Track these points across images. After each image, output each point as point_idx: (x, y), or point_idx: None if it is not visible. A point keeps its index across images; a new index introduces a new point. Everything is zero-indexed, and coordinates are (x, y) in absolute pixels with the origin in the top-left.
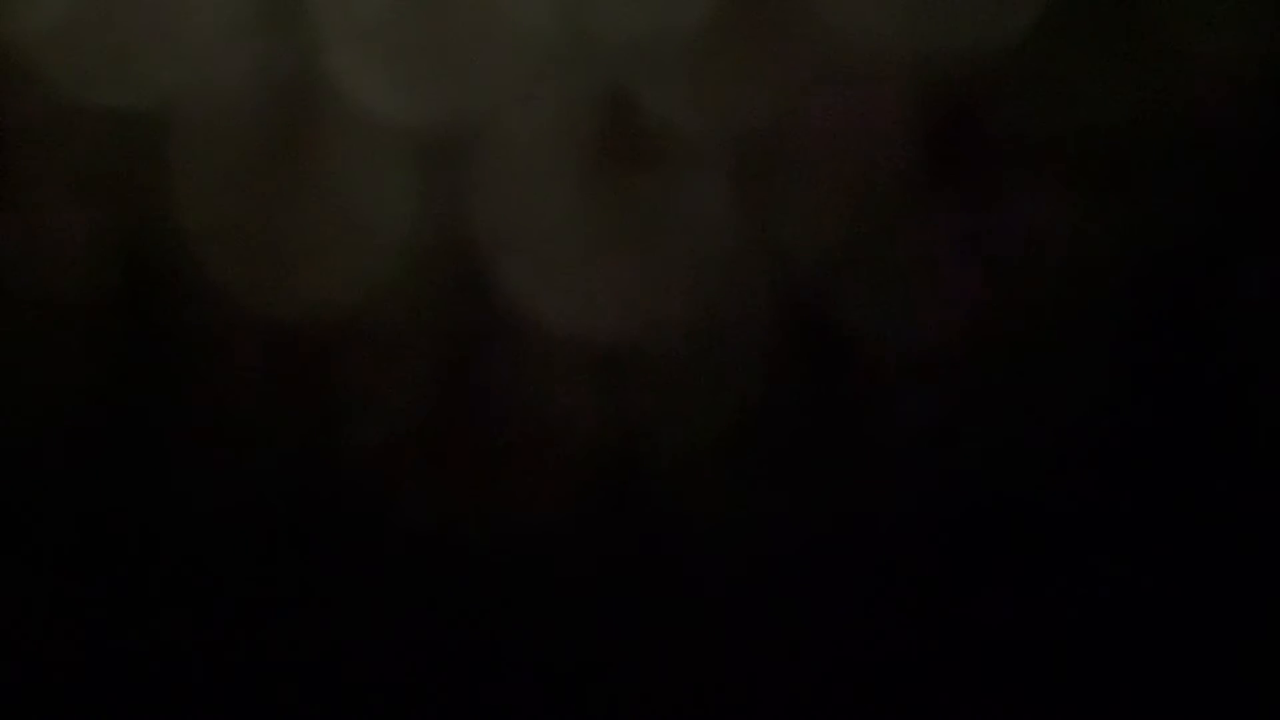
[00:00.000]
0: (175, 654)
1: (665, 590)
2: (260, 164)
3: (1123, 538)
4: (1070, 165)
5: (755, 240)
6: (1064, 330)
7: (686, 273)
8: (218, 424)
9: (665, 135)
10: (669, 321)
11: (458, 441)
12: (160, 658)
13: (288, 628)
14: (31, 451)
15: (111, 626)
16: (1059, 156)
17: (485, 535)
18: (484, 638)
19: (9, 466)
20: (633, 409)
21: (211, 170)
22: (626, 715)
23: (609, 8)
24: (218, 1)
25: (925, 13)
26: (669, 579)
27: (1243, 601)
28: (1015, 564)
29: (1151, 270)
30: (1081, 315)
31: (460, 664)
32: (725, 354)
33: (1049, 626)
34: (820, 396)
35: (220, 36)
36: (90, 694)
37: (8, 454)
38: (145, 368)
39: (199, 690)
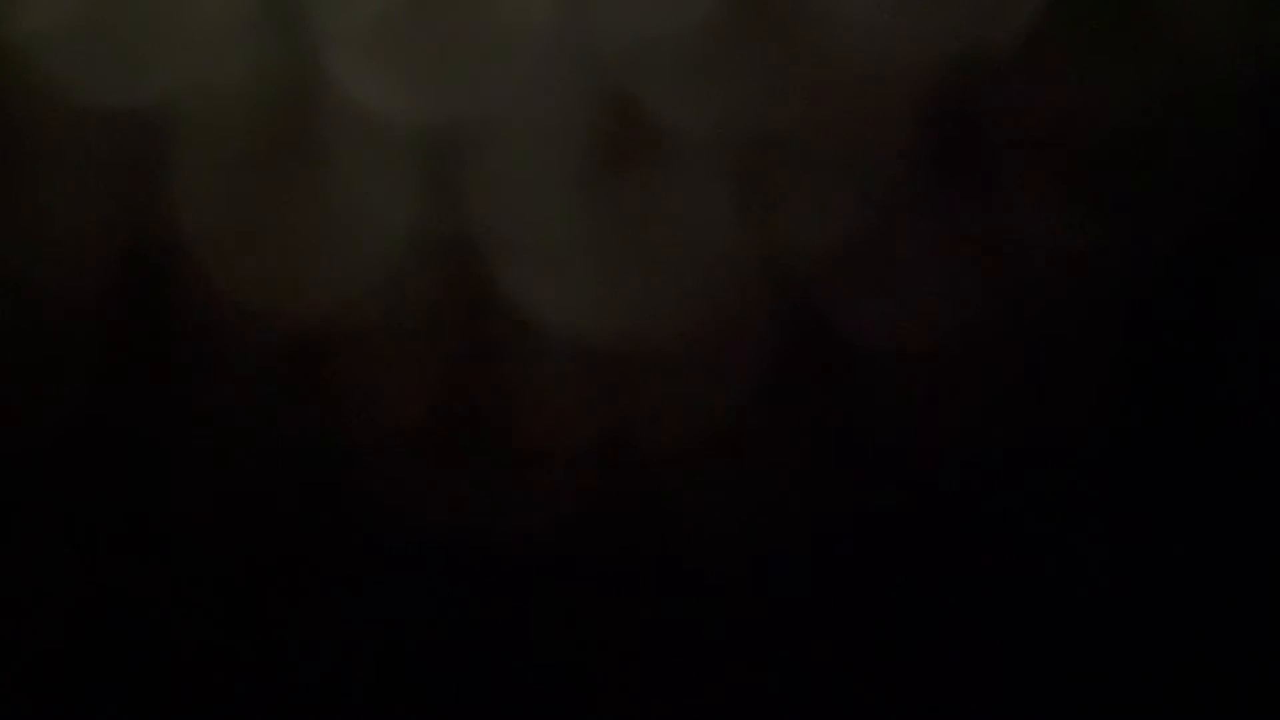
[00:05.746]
0: (175, 653)
1: (665, 590)
2: (260, 164)
3: (1123, 538)
4: (1070, 165)
5: (755, 240)
6: (1064, 330)
7: (686, 273)
8: (217, 423)
9: (665, 135)
10: (669, 321)
11: (458, 441)
12: (160, 657)
13: (288, 627)
14: (31, 450)
15: (112, 626)
16: (1059, 156)
17: (486, 535)
18: (485, 637)
19: (9, 466)
20: (633, 409)
21: (211, 170)
22: (626, 715)
23: (609, 8)
24: (218, 1)
25: (925, 13)
26: (669, 579)
27: (1242, 601)
28: (1015, 564)
29: (1151, 270)
30: (1081, 315)
31: (461, 663)
32: (725, 354)
33: (1049, 626)
34: (820, 396)
35: (220, 36)
36: (91, 694)
37: (8, 453)
38: (145, 367)
39: (199, 689)
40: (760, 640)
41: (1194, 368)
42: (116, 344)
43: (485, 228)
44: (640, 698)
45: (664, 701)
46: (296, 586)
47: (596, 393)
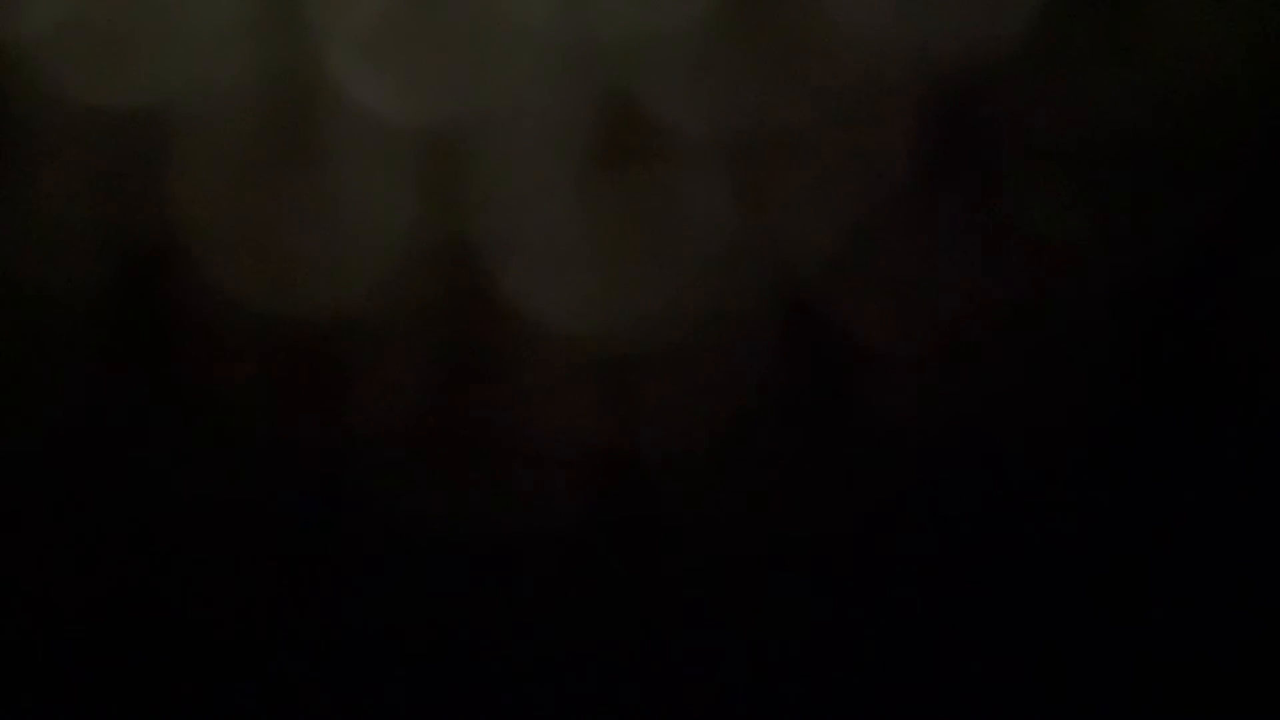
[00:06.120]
0: (175, 652)
1: (665, 590)
2: (260, 164)
3: (1122, 538)
4: (1070, 165)
5: (755, 240)
6: (1063, 330)
7: (686, 273)
8: (217, 423)
9: (665, 135)
10: (669, 322)
11: (458, 441)
12: (160, 656)
13: (287, 627)
14: (31, 450)
15: (112, 625)
16: (1059, 156)
17: (485, 535)
18: (484, 637)
19: (9, 466)
20: (633, 409)
21: (211, 170)
22: (626, 715)
23: (609, 8)
24: (218, 1)
25: (925, 13)
26: (669, 579)
27: (1242, 602)
28: (1015, 564)
29: (1151, 269)
30: (1081, 315)
31: (461, 664)
32: (725, 354)
33: (1048, 626)
34: (820, 396)
35: (220, 36)
36: (91, 693)
37: (8, 453)
38: (145, 367)
39: (199, 688)
40: (761, 641)
41: (1194, 367)
42: (116, 343)
43: (485, 228)
44: (640, 698)
45: (666, 703)
46: (296, 586)
47: (596, 392)
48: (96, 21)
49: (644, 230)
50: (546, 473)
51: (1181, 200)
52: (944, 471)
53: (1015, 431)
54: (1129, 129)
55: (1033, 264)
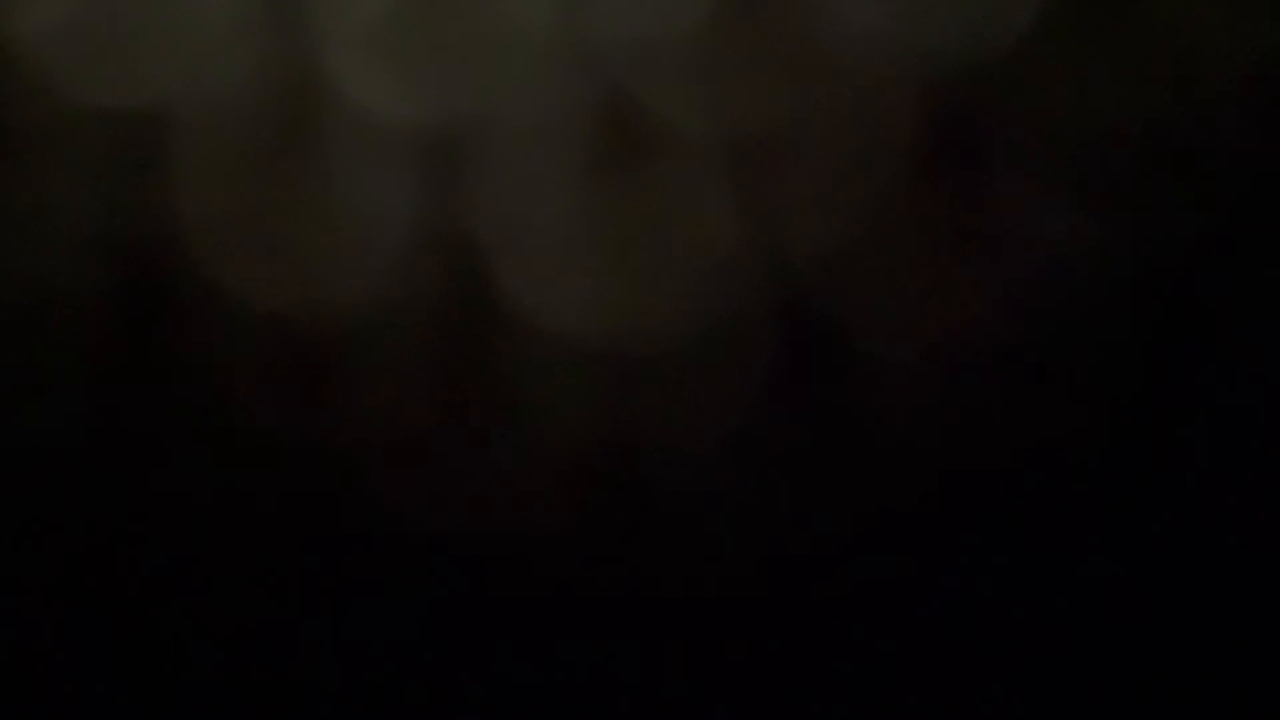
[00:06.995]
0: (173, 654)
1: (665, 590)
2: (261, 164)
3: (1122, 539)
4: (1070, 166)
5: (755, 240)
6: (1063, 331)
7: (686, 273)
8: (217, 424)
9: (665, 135)
10: (669, 322)
11: (458, 442)
12: (158, 658)
13: (286, 628)
14: (31, 451)
15: (110, 626)
16: (1059, 157)
17: (485, 535)
18: (484, 638)
19: (8, 466)
20: (633, 409)
21: (211, 170)
22: (626, 715)
23: (609, 8)
24: (218, 1)
25: (925, 13)
26: (669, 579)
27: (1242, 602)
28: (1015, 564)
29: (1151, 271)
30: (1081, 316)
31: (460, 664)
32: (725, 354)
33: (1049, 627)
34: (820, 397)
35: (220, 36)
36: (90, 694)
37: (7, 454)
38: (145, 367)
39: (198, 691)
40: (761, 640)
41: (1194, 367)
42: (116, 344)
43: (485, 228)
44: (640, 698)
45: (664, 702)
46: (295, 584)
47: (597, 393)
48: (96, 21)
49: (644, 230)
50: (546, 473)
51: (1182, 200)
52: (944, 472)
53: (1015, 432)
54: (1129, 129)
55: (1033, 265)
